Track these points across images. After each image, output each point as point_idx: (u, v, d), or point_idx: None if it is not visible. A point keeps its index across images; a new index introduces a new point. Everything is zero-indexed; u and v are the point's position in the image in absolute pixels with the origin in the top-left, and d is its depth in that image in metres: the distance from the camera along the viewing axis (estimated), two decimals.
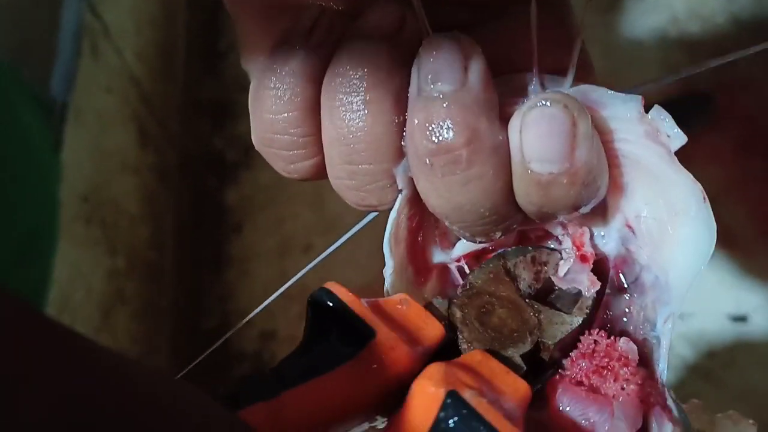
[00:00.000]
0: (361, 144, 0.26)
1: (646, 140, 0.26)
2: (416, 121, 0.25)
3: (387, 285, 0.28)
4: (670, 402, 0.26)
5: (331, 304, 0.25)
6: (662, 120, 0.26)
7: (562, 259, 0.29)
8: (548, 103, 0.25)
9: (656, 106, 0.26)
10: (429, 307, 0.27)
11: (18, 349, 0.15)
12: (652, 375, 0.27)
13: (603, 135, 0.26)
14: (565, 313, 0.28)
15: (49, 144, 0.57)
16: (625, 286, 0.29)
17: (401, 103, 0.26)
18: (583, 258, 0.29)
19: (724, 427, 0.28)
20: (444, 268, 0.31)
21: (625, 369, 0.26)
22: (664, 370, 0.27)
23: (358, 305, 0.25)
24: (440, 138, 0.25)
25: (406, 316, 0.26)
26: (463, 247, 0.30)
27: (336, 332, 0.25)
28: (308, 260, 0.34)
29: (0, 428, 0.14)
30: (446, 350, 0.26)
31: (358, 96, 0.26)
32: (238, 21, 0.28)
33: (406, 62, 0.26)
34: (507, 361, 0.26)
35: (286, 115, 0.27)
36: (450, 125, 0.25)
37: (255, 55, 0.28)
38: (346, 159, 0.27)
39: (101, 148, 0.67)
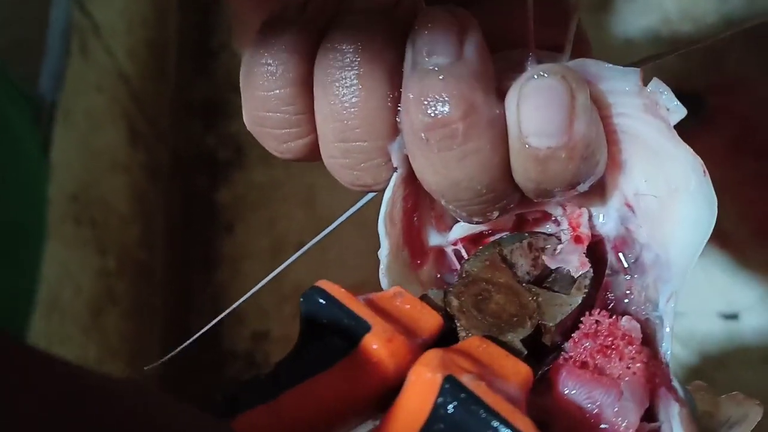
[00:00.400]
0: (355, 120, 0.25)
1: (645, 114, 0.26)
2: (411, 95, 0.25)
3: (382, 267, 0.28)
4: (675, 383, 0.26)
5: (323, 302, 0.24)
6: (661, 93, 0.26)
7: (560, 243, 0.29)
8: (546, 75, 0.24)
9: (655, 79, 0.26)
10: (424, 298, 0.27)
11: None
12: (656, 355, 0.26)
13: (601, 110, 0.26)
14: (563, 294, 0.28)
15: (37, 143, 0.57)
16: (626, 266, 0.28)
17: (396, 79, 0.25)
18: (577, 239, 0.28)
19: (729, 408, 0.27)
20: (440, 251, 0.30)
21: (629, 347, 0.26)
22: (667, 350, 0.26)
23: (352, 301, 0.24)
24: (436, 112, 0.24)
25: (401, 309, 0.25)
26: (460, 230, 0.30)
27: (331, 330, 0.24)
28: (301, 260, 0.33)
29: None
30: (445, 340, 0.25)
31: (351, 71, 0.25)
32: None
33: (401, 37, 0.26)
34: (507, 346, 0.25)
35: (278, 92, 0.26)
36: (446, 98, 0.24)
37: (247, 33, 0.27)
38: (340, 136, 0.26)
39: (91, 147, 0.67)
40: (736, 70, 0.79)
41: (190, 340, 0.31)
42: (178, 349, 0.31)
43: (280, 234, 0.81)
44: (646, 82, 0.26)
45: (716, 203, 0.25)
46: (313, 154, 0.28)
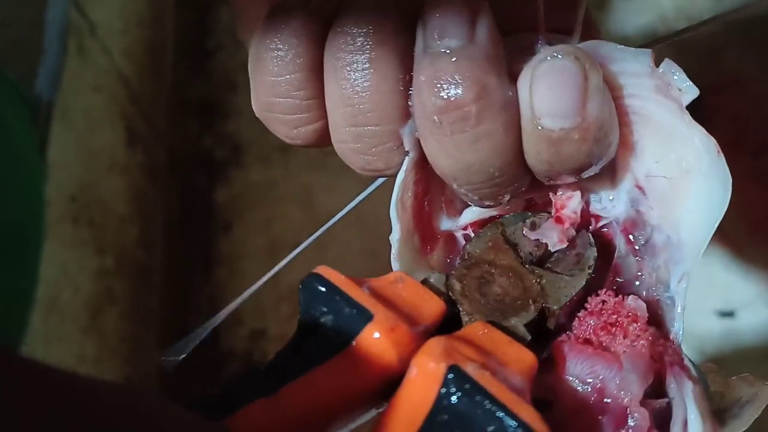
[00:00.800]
0: (366, 104, 0.25)
1: (657, 95, 0.26)
2: (423, 78, 0.24)
3: (394, 252, 0.27)
4: (687, 362, 0.25)
5: (323, 289, 0.23)
6: (673, 74, 0.25)
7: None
8: (559, 56, 0.24)
9: (667, 60, 0.25)
10: (426, 283, 0.26)
11: None
12: (667, 336, 0.26)
13: (613, 91, 0.26)
14: (567, 276, 0.27)
15: (34, 143, 0.57)
16: (636, 248, 0.28)
17: (407, 62, 0.25)
18: (557, 220, 0.28)
19: (740, 388, 0.27)
20: (450, 236, 0.30)
21: (634, 324, 0.26)
22: (679, 330, 0.26)
23: (352, 287, 0.23)
24: (449, 94, 0.24)
25: (403, 295, 0.24)
26: (470, 214, 0.30)
27: (331, 318, 0.23)
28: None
29: None
30: (448, 325, 0.25)
31: (363, 55, 0.25)
32: None
33: (411, 20, 0.25)
34: (510, 332, 0.25)
35: (288, 77, 0.26)
36: (459, 80, 0.24)
37: (253, 22, 0.27)
38: (352, 121, 0.26)
39: (89, 147, 0.67)
40: (734, 69, 0.79)
41: (212, 325, 0.31)
42: (204, 334, 0.31)
43: (278, 233, 0.81)
44: (657, 63, 0.26)
45: (731, 182, 0.25)
46: (323, 139, 0.27)
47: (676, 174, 0.26)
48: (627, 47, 0.26)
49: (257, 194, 0.82)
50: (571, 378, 0.25)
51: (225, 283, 0.80)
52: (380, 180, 0.29)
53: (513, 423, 0.20)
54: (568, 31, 0.26)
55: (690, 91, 0.25)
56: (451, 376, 0.21)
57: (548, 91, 0.24)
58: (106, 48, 0.72)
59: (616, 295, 0.26)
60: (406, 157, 0.27)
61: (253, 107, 0.28)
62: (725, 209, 0.25)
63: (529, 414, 0.20)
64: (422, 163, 0.27)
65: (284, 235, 0.80)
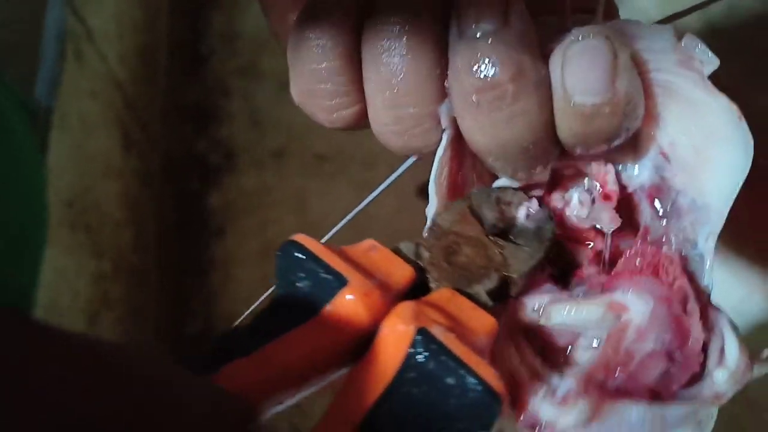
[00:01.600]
0: (405, 88, 0.27)
1: (680, 68, 0.27)
2: (460, 60, 0.26)
3: (429, 225, 0.29)
4: (720, 307, 0.28)
5: (301, 256, 0.25)
6: (695, 47, 0.27)
7: (528, 202, 0.30)
8: (591, 36, 0.26)
9: (688, 34, 0.27)
10: (397, 251, 0.28)
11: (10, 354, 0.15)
12: (698, 290, 0.28)
13: (638, 66, 0.27)
14: (527, 247, 0.29)
15: (35, 148, 0.57)
16: (660, 213, 0.29)
17: (441, 47, 0.27)
18: (606, 197, 0.30)
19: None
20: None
21: (672, 266, 0.28)
22: (709, 284, 0.28)
23: (328, 254, 0.25)
24: (487, 74, 0.26)
25: (376, 262, 0.26)
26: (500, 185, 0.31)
27: (308, 283, 0.25)
28: None
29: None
30: (417, 291, 0.27)
31: (400, 41, 0.26)
32: None
33: (445, 6, 0.27)
34: (474, 298, 0.27)
35: (328, 64, 0.27)
36: (496, 61, 0.26)
37: (289, 13, 0.29)
38: (390, 104, 0.27)
39: (85, 152, 0.67)
40: (726, 76, 0.80)
41: (267, 293, 0.33)
42: (256, 304, 0.32)
43: (271, 238, 0.81)
44: (679, 38, 0.28)
45: (752, 145, 0.27)
46: (361, 121, 0.29)
47: (700, 141, 0.28)
48: (651, 25, 0.28)
49: (251, 199, 0.83)
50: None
51: (219, 288, 0.80)
52: (411, 159, 0.30)
53: (473, 380, 0.22)
54: (590, 11, 0.28)
55: (711, 62, 0.27)
56: (419, 337, 0.23)
57: (580, 70, 0.26)
58: (102, 53, 0.72)
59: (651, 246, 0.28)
60: (444, 134, 0.28)
61: (292, 95, 0.30)
62: (747, 172, 0.27)
63: (487, 372, 0.23)
64: (458, 141, 0.29)
65: (278, 239, 0.81)
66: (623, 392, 0.26)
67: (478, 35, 0.26)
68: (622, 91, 0.26)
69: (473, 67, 0.26)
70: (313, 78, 0.28)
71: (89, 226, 0.67)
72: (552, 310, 0.28)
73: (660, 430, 0.26)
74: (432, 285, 0.27)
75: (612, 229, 0.30)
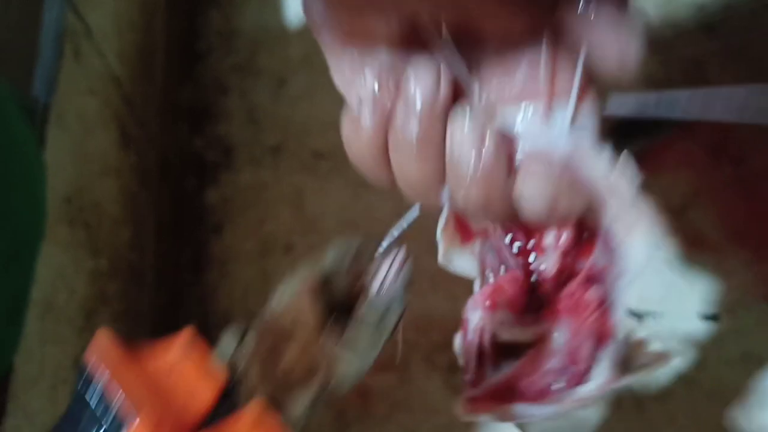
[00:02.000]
0: (413, 179, 0.37)
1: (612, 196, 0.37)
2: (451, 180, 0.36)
3: (441, 251, 0.39)
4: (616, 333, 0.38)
5: (89, 386, 0.25)
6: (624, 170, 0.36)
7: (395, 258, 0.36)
8: None
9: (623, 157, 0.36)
10: (217, 352, 0.28)
11: None
12: (606, 323, 0.38)
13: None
14: (362, 342, 0.29)
15: (34, 144, 0.57)
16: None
17: (443, 153, 0.36)
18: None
19: (647, 356, 0.39)
20: (483, 230, 0.42)
21: (590, 308, 0.37)
22: (616, 321, 0.38)
23: (123, 377, 0.25)
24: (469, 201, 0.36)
25: (179, 380, 0.26)
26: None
27: (98, 417, 0.25)
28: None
29: None
30: (230, 394, 0.27)
31: (411, 152, 0.36)
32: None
33: (444, 118, 0.36)
34: (288, 413, 0.27)
35: (367, 151, 0.37)
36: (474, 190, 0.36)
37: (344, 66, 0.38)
38: (405, 186, 0.38)
39: (83, 150, 0.67)
40: (716, 79, 0.81)
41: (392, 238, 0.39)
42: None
43: (268, 235, 0.81)
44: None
45: (662, 234, 0.36)
46: (394, 184, 0.39)
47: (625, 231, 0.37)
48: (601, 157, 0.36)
49: (248, 196, 0.83)
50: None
51: (216, 285, 0.80)
52: (416, 211, 0.40)
53: None
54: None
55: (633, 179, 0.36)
56: None
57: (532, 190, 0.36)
58: (101, 51, 0.72)
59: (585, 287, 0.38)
60: (445, 205, 0.38)
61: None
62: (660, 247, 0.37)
63: None
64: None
65: (275, 237, 0.81)
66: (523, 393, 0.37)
67: (463, 173, 0.36)
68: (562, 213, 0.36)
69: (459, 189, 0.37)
70: (358, 157, 0.38)
71: (87, 224, 0.67)
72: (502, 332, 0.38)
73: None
74: (244, 393, 0.27)
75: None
